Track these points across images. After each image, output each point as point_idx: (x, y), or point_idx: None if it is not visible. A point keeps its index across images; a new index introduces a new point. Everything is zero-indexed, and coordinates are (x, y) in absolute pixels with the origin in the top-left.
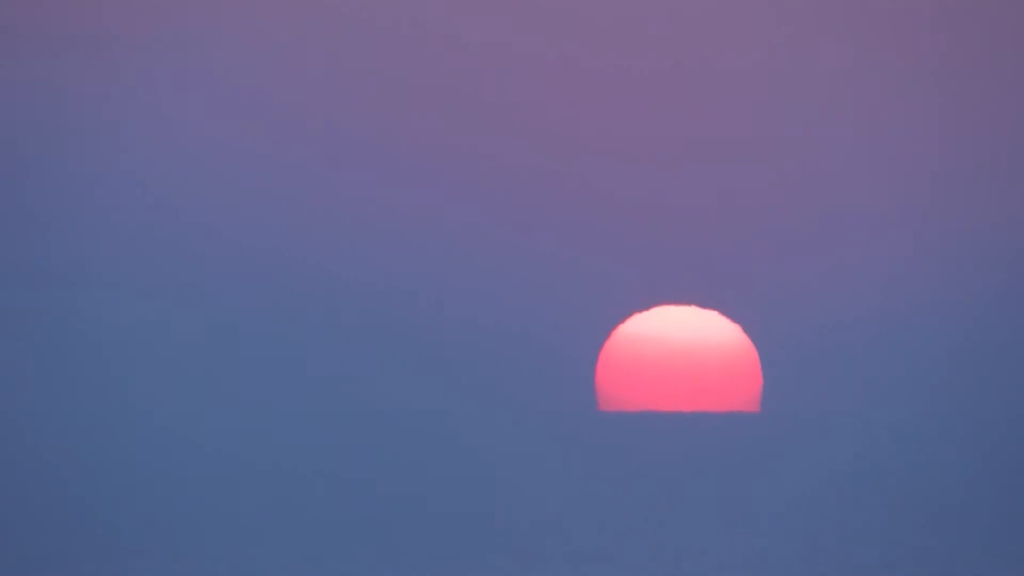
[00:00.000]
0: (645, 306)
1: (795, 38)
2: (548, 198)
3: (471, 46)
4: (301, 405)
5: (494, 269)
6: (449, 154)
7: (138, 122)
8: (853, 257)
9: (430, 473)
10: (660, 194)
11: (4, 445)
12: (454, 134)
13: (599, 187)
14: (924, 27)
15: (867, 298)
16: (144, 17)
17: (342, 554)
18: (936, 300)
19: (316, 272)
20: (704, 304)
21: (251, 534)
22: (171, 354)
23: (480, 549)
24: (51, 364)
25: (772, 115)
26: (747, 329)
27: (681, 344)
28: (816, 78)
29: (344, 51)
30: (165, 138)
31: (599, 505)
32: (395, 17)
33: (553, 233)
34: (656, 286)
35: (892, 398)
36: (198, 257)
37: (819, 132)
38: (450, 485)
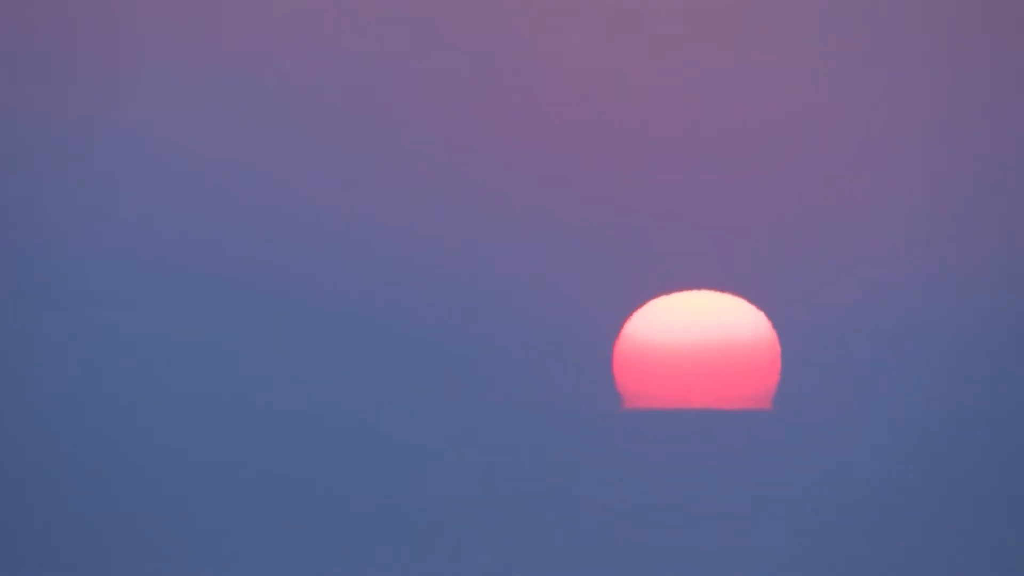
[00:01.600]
0: (658, 293)
1: (836, 5)
2: (549, 189)
3: (477, 38)
4: (310, 406)
5: (499, 265)
6: (450, 148)
7: (136, 122)
8: (896, 250)
9: (447, 475)
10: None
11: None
12: (456, 127)
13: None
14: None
15: (906, 298)
16: (142, 18)
17: (355, 556)
18: (980, 303)
19: (321, 271)
20: (724, 290)
21: (256, 536)
22: (171, 356)
23: (497, 550)
24: (49, 364)
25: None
26: (772, 319)
27: (698, 335)
28: (855, 53)
29: (342, 47)
30: (162, 137)
31: (625, 504)
32: (393, 11)
33: (556, 226)
34: (670, 273)
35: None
36: (205, 256)
37: (868, 113)
38: (464, 487)
